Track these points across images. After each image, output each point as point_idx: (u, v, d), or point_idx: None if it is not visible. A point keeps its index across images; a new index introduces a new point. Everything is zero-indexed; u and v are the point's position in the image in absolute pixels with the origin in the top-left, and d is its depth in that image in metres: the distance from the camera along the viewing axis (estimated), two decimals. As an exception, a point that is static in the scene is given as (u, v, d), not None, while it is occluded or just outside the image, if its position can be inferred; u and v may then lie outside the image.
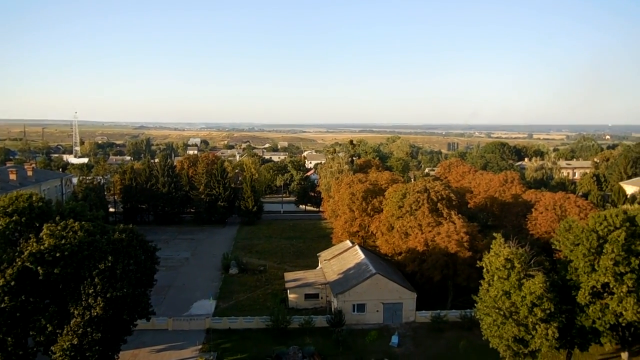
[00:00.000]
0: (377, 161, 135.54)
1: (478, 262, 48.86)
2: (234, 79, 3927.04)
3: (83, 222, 41.92)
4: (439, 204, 68.93)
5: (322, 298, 67.39)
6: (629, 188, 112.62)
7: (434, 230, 65.57)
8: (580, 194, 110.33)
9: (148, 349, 53.94)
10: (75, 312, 39.00)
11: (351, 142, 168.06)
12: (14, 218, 41.01)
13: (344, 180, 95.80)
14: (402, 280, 65.57)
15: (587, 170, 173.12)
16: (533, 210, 74.39)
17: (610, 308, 43.68)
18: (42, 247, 38.40)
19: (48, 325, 38.96)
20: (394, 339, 56.66)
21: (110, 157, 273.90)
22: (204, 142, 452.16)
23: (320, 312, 64.40)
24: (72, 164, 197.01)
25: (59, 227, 40.03)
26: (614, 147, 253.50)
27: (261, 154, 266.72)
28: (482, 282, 47.31)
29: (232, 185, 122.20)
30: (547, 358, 52.11)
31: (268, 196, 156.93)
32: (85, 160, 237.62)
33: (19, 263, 38.33)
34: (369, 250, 75.75)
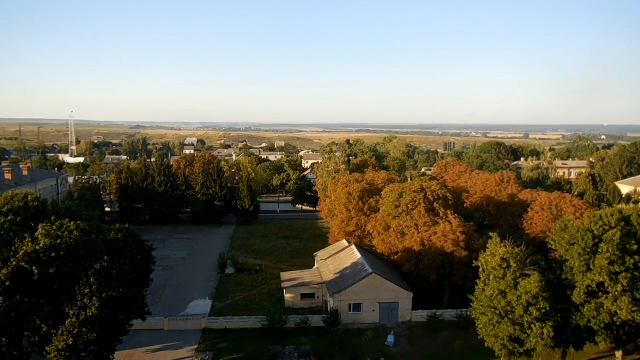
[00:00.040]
0: (374, 161, 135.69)
1: (474, 261, 49.03)
2: (231, 79, 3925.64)
3: (79, 222, 41.80)
4: (435, 204, 69.04)
5: (318, 298, 67.40)
6: (624, 188, 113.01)
7: (430, 230, 65.67)
8: (576, 193, 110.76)
9: (144, 349, 53.80)
10: (71, 312, 38.88)
11: (348, 141, 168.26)
12: (9, 218, 40.89)
13: (340, 180, 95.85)
14: (399, 280, 65.65)
15: (583, 170, 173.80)
16: (529, 210, 74.63)
17: (605, 307, 43.88)
18: (37, 247, 38.28)
19: (43, 326, 38.80)
20: (390, 339, 56.73)
21: (107, 156, 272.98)
22: (201, 141, 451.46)
23: (317, 311, 64.40)
24: (68, 164, 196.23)
25: (54, 227, 39.91)
26: (609, 147, 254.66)
27: (258, 154, 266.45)
28: (478, 281, 47.45)
29: (229, 184, 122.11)
30: (542, 357, 52.17)
31: (265, 196, 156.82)
32: (81, 159, 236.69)
33: (14, 263, 38.18)
34: (366, 249, 75.80)
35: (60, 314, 39.42)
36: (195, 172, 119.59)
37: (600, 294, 44.68)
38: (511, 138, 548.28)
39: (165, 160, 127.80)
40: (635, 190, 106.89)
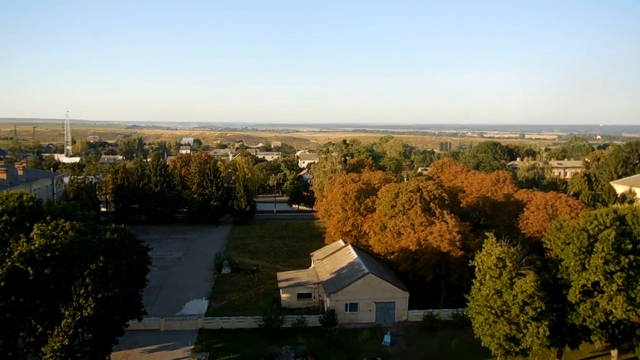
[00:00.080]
0: (370, 161, 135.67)
1: (470, 261, 49.06)
2: (228, 79, 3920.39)
3: (74, 222, 41.64)
4: (431, 204, 69.16)
5: (314, 297, 67.39)
6: (619, 187, 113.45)
7: (426, 230, 65.76)
8: (571, 193, 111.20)
9: (140, 350, 53.65)
10: (66, 312, 38.72)
11: (344, 141, 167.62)
12: (4, 218, 40.68)
13: (337, 180, 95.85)
14: (395, 280, 65.73)
15: (578, 170, 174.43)
16: (525, 209, 74.81)
17: (600, 306, 44.07)
18: (32, 247, 38.09)
19: (38, 326, 38.62)
20: (387, 338, 56.80)
21: (102, 156, 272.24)
22: (197, 141, 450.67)
23: (313, 311, 64.39)
24: (64, 163, 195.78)
25: (49, 227, 39.74)
26: (604, 147, 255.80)
27: (254, 154, 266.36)
28: (474, 281, 47.53)
29: (225, 184, 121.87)
30: (538, 356, 52.49)
31: (261, 196, 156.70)
32: (76, 159, 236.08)
33: (9, 263, 38.01)
34: (362, 249, 75.85)
35: (55, 314, 39.26)
36: (192, 172, 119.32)
37: (595, 293, 44.87)
38: (507, 138, 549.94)
39: (161, 160, 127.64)
40: (630, 190, 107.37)
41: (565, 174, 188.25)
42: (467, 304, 48.92)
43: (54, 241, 38.58)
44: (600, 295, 44.25)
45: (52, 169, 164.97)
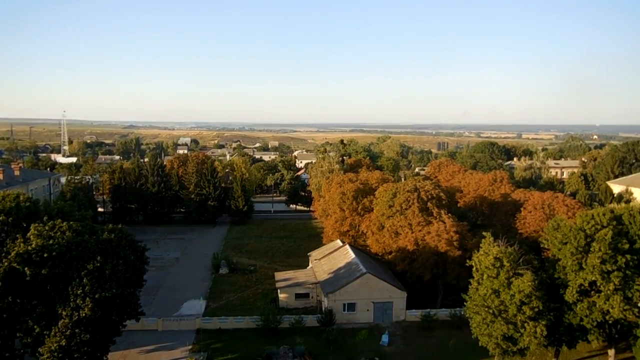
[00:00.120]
0: (368, 161, 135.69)
1: (468, 261, 49.13)
2: (225, 79, 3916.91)
3: (71, 222, 41.55)
4: (429, 203, 69.23)
5: (312, 297, 67.38)
6: (616, 187, 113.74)
7: (424, 230, 65.82)
8: (568, 193, 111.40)
9: (137, 350, 53.57)
10: (63, 313, 38.61)
11: (342, 141, 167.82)
12: (0, 218, 40.59)
13: (334, 180, 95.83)
14: (393, 280, 65.78)
15: (575, 170, 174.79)
16: (522, 209, 74.93)
17: (597, 306, 44.17)
18: (29, 248, 37.99)
19: (35, 327, 38.51)
20: (384, 338, 56.83)
21: (99, 156, 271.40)
22: (194, 141, 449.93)
23: (311, 311, 64.38)
24: (61, 164, 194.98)
25: (46, 227, 39.64)
26: (601, 146, 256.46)
27: (252, 154, 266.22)
28: (471, 280, 47.60)
29: (223, 184, 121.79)
30: (535, 356, 52.62)
31: (258, 196, 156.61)
32: (73, 159, 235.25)
33: (6, 264, 37.89)
34: (360, 249, 75.86)
35: (52, 314, 39.15)
36: (189, 172, 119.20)
37: (592, 292, 44.97)
38: (504, 138, 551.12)
39: (158, 160, 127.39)
40: (627, 190, 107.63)
41: (562, 173, 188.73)
42: (464, 303, 48.99)
43: (51, 241, 38.48)
44: (597, 294, 44.36)
45: (49, 169, 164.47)
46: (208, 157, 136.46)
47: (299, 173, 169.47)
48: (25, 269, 37.87)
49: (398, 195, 70.23)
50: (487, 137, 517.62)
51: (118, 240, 43.27)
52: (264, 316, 57.99)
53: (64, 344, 38.31)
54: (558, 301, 45.68)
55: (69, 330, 38.37)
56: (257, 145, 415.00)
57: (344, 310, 61.70)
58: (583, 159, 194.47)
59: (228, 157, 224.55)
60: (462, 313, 55.09)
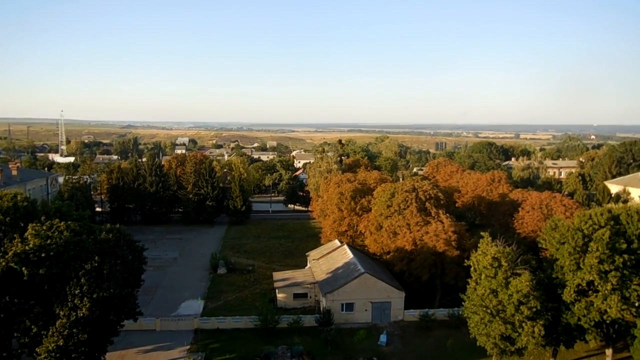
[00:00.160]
0: (366, 161, 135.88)
1: (466, 260, 49.21)
2: (223, 79, 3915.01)
3: (69, 222, 41.47)
4: (427, 204, 69.27)
5: (310, 297, 67.36)
6: (614, 187, 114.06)
7: (422, 230, 65.87)
8: (566, 193, 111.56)
9: (135, 350, 53.47)
10: (61, 313, 38.53)
11: (340, 141, 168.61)
12: (-2, 218, 40.44)
13: (332, 180, 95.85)
14: (391, 280, 65.80)
15: (573, 170, 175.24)
16: (520, 209, 75.06)
17: (595, 305, 44.28)
18: (27, 248, 37.92)
19: (33, 327, 38.46)
20: (383, 338, 56.84)
21: (97, 156, 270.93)
22: (192, 141, 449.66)
23: (309, 311, 64.36)
24: (58, 163, 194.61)
25: (44, 227, 39.55)
26: (599, 147, 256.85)
27: (250, 154, 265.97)
28: (469, 280, 47.65)
29: (221, 184, 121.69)
30: (533, 355, 52.67)
31: (257, 196, 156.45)
32: (71, 159, 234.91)
33: (3, 263, 37.80)
34: (358, 249, 75.88)
35: (50, 314, 39.07)
36: (187, 172, 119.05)
37: (590, 292, 45.07)
38: (502, 138, 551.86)
39: (156, 160, 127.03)
40: (624, 190, 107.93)
41: (560, 173, 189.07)
42: (462, 303, 49.07)
43: (48, 241, 38.40)
44: (595, 294, 44.47)
45: (46, 168, 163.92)
46: (206, 157, 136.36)
47: (297, 173, 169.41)
48: (23, 268, 37.81)
49: (396, 195, 70.27)
50: (485, 137, 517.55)
51: (116, 240, 43.21)
52: (262, 316, 57.95)
53: (61, 344, 38.25)
54: (556, 301, 45.78)
55: (67, 330, 38.30)
56: (256, 145, 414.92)
57: (342, 310, 61.70)
58: (581, 159, 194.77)
59: (226, 157, 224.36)
60: (460, 313, 55.16)
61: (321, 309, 62.25)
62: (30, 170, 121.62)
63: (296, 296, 67.19)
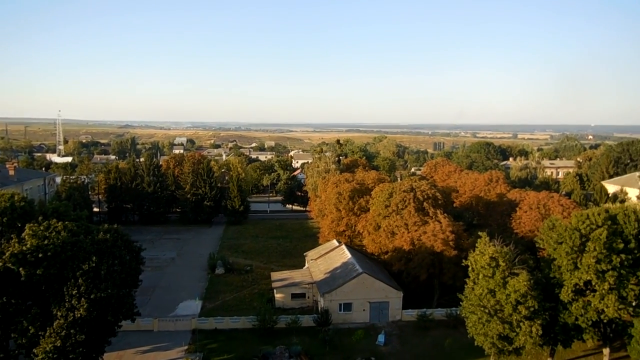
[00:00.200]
0: (364, 161, 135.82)
1: (463, 260, 49.26)
2: (221, 79, 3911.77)
3: (66, 222, 41.36)
4: (425, 203, 69.34)
5: (308, 297, 67.36)
6: (611, 187, 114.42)
7: (420, 230, 65.92)
8: (564, 193, 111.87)
9: (133, 350, 53.41)
10: (59, 313, 38.46)
11: (338, 141, 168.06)
12: (-5, 218, 40.30)
13: (330, 180, 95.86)
14: (389, 279, 65.84)
15: (570, 170, 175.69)
16: (517, 209, 75.17)
17: (592, 305, 44.38)
18: (24, 248, 37.80)
19: (30, 327, 38.34)
20: (381, 338, 56.87)
21: (95, 156, 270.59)
22: (190, 141, 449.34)
23: (307, 311, 64.35)
24: (56, 163, 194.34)
25: (41, 227, 39.44)
26: (596, 147, 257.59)
27: (248, 154, 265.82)
28: (467, 280, 47.70)
29: (219, 184, 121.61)
30: (531, 355, 52.79)
31: (255, 196, 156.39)
32: (69, 159, 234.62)
33: (0, 264, 37.66)
34: (356, 249, 75.91)
35: (47, 315, 38.98)
36: (185, 171, 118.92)
37: (587, 292, 45.17)
38: (500, 138, 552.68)
39: (154, 160, 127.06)
40: (622, 190, 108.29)
41: (558, 173, 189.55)
42: (460, 303, 49.12)
43: (45, 242, 38.30)
44: (592, 294, 44.58)
45: (44, 168, 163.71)
46: (204, 157, 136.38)
47: (296, 173, 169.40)
48: (20, 269, 37.69)
49: (394, 195, 70.32)
50: (483, 137, 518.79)
51: (114, 241, 43.14)
52: (260, 316, 57.93)
53: (59, 344, 38.15)
54: (553, 300, 45.87)
55: (64, 331, 38.22)
56: (254, 145, 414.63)
57: (340, 310, 61.71)
58: (578, 159, 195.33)
59: (224, 157, 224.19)
60: (458, 313, 55.18)
61: (319, 309, 62.26)
62: (27, 170, 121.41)
63: (294, 296, 67.18)
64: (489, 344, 45.10)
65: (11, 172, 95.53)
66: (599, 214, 45.58)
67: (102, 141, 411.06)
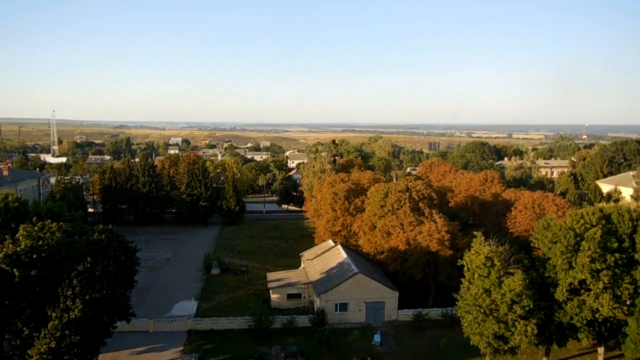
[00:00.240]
0: (359, 161, 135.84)
1: (459, 260, 49.36)
2: (216, 79, 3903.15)
3: (61, 223, 41.17)
4: (420, 203, 69.44)
5: (304, 298, 67.32)
6: (605, 186, 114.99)
7: (415, 229, 66.01)
8: (558, 192, 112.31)
9: (128, 351, 53.21)
10: (53, 314, 38.27)
11: (333, 141, 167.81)
12: (-12, 219, 40.06)
13: (326, 180, 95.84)
14: (384, 279, 65.90)
15: (565, 169, 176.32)
16: (512, 208, 75.36)
17: (587, 304, 44.57)
18: (18, 249, 37.59)
19: (24, 329, 38.14)
20: (377, 338, 56.91)
21: (90, 156, 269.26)
22: (186, 141, 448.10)
23: (303, 311, 64.33)
24: (50, 164, 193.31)
25: (35, 228, 39.24)
26: (590, 146, 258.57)
27: (243, 154, 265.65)
28: (463, 280, 47.83)
29: (214, 185, 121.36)
30: (526, 354, 52.98)
31: (250, 196, 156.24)
32: (63, 159, 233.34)
33: (-6, 265, 37.43)
34: (351, 249, 75.94)
35: (42, 316, 38.78)
36: (180, 172, 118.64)
37: (582, 291, 45.36)
38: (495, 138, 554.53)
39: (149, 160, 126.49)
40: (616, 189, 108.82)
41: (552, 173, 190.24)
42: (456, 303, 49.23)
43: (40, 242, 38.11)
44: (587, 293, 44.76)
45: (38, 169, 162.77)
46: (199, 157, 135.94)
47: (291, 173, 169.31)
48: (14, 270, 37.48)
49: (390, 195, 70.39)
50: (478, 137, 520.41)
51: (108, 241, 42.93)
52: (256, 317, 57.85)
53: (53, 345, 37.97)
54: (548, 300, 46.04)
55: (59, 332, 38.04)
56: (249, 145, 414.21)
57: (336, 310, 61.72)
58: (572, 159, 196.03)
59: (220, 157, 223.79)
60: (454, 312, 55.33)
61: (315, 309, 62.23)
62: (21, 171, 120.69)
63: (290, 296, 67.12)
64: (484, 344, 45.22)
65: (5, 173, 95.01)
66: (593, 214, 45.76)
67: (97, 141, 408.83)
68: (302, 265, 76.26)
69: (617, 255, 43.52)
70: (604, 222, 45.17)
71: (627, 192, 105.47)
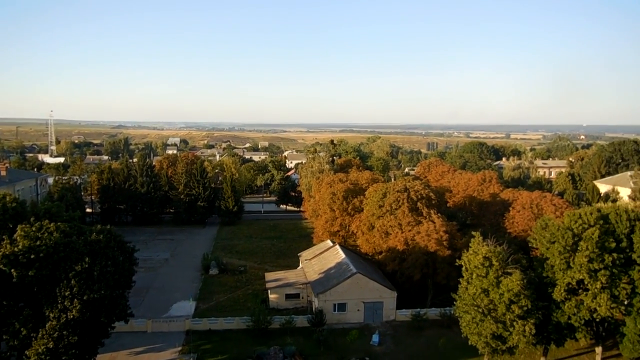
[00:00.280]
0: (358, 161, 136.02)
1: (457, 260, 49.42)
2: (214, 79, 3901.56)
3: (59, 223, 41.06)
4: (418, 203, 69.50)
5: (303, 298, 67.32)
6: (603, 187, 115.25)
7: (413, 230, 66.07)
8: (556, 192, 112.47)
9: (126, 352, 53.15)
10: (51, 315, 38.20)
11: (332, 141, 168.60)
12: (-14, 219, 39.96)
13: (324, 180, 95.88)
14: (383, 280, 65.93)
15: (563, 170, 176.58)
16: (510, 209, 75.47)
17: (585, 304, 44.68)
18: (16, 249, 37.49)
19: (22, 329, 38.04)
20: (375, 338, 56.94)
21: (87, 156, 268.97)
22: (184, 141, 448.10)
23: (301, 312, 64.31)
24: (48, 164, 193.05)
25: (33, 228, 39.15)
26: (588, 146, 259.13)
27: (241, 154, 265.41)
28: (461, 280, 47.86)
29: (212, 185, 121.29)
30: (524, 354, 53.05)
31: (248, 196, 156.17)
32: (61, 159, 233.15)
33: (-8, 265, 37.34)
34: (350, 249, 75.97)
35: (40, 317, 38.70)
36: (178, 172, 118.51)
37: (580, 291, 45.47)
38: (493, 138, 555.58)
39: (147, 160, 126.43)
40: (614, 189, 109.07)
41: (550, 173, 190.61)
42: (454, 303, 49.29)
43: (38, 242, 38.02)
44: (584, 293, 44.87)
45: (36, 169, 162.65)
46: (197, 158, 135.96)
47: (289, 173, 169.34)
48: (12, 270, 37.38)
49: (388, 196, 70.43)
50: (476, 138, 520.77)
51: (106, 241, 42.89)
52: (254, 317, 57.83)
53: (51, 346, 37.89)
54: (546, 300, 46.13)
55: (57, 333, 37.96)
56: (247, 145, 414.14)
57: (335, 310, 61.73)
58: (570, 159, 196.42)
59: (218, 158, 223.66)
60: (452, 312, 55.39)
61: (313, 309, 62.24)
62: (19, 171, 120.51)
63: (288, 297, 67.10)
64: (482, 344, 45.29)
65: (3, 173, 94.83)
66: (591, 214, 45.89)
67: (95, 141, 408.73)
68: (301, 265, 76.26)
69: (614, 255, 43.64)
70: (601, 222, 45.32)
71: (624, 192, 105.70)
